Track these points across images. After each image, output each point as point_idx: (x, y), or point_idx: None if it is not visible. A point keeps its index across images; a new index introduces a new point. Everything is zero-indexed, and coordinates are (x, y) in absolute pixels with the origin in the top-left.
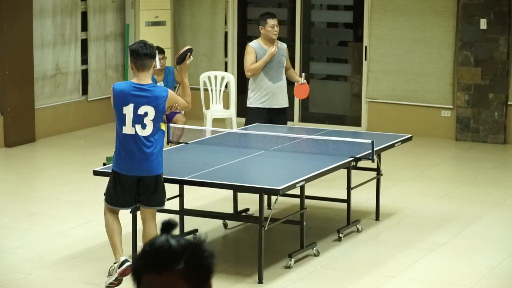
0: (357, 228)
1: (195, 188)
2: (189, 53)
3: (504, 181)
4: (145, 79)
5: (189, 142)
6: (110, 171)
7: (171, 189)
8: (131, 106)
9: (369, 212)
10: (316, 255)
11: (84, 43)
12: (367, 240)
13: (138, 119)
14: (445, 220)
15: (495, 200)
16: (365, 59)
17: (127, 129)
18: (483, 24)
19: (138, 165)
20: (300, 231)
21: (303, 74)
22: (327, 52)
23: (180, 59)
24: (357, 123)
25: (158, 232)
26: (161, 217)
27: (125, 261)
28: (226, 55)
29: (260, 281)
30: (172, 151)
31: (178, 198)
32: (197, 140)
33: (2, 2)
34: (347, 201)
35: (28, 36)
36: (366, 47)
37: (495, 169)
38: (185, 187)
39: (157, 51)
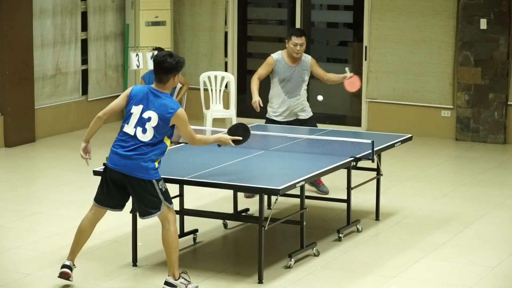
0: (357, 228)
1: (195, 188)
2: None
3: (504, 181)
4: (163, 89)
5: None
6: None
7: (171, 189)
8: (140, 107)
9: (369, 212)
10: (316, 255)
11: (84, 43)
12: (367, 240)
13: (141, 122)
14: (445, 220)
15: (495, 200)
16: (365, 59)
17: (128, 128)
18: (483, 24)
19: (125, 162)
20: (300, 231)
21: (347, 68)
22: (327, 52)
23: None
24: (357, 123)
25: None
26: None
27: (64, 266)
28: (226, 55)
29: (260, 281)
30: (172, 151)
31: (178, 198)
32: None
33: (2, 2)
34: (347, 201)
35: (28, 36)
36: (366, 47)
37: (495, 169)
38: (185, 187)
39: (157, 52)
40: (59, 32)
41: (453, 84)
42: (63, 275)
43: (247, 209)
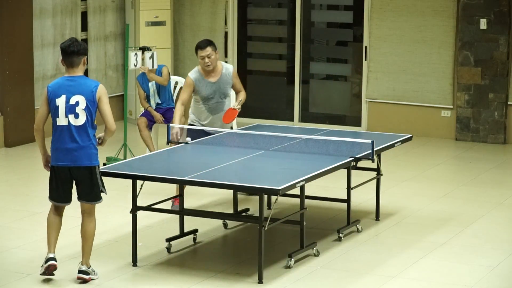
0: (357, 228)
1: (195, 188)
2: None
3: (504, 181)
4: (76, 72)
5: (189, 142)
6: (109, 171)
7: (171, 189)
8: (63, 97)
9: (369, 212)
10: (316, 255)
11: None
12: (367, 240)
13: (71, 109)
14: (445, 220)
15: (495, 200)
16: (365, 59)
17: (61, 120)
18: (483, 24)
19: (70, 154)
20: (300, 231)
21: (240, 100)
22: (327, 52)
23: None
24: (357, 123)
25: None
26: (161, 217)
27: (50, 259)
28: (226, 55)
29: (260, 281)
30: (172, 151)
31: (178, 198)
32: (197, 140)
33: (2, 2)
34: (347, 201)
35: (28, 36)
36: (366, 47)
37: (495, 169)
38: (185, 187)
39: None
40: (59, 32)
41: (453, 84)
42: (51, 267)
43: (247, 209)
